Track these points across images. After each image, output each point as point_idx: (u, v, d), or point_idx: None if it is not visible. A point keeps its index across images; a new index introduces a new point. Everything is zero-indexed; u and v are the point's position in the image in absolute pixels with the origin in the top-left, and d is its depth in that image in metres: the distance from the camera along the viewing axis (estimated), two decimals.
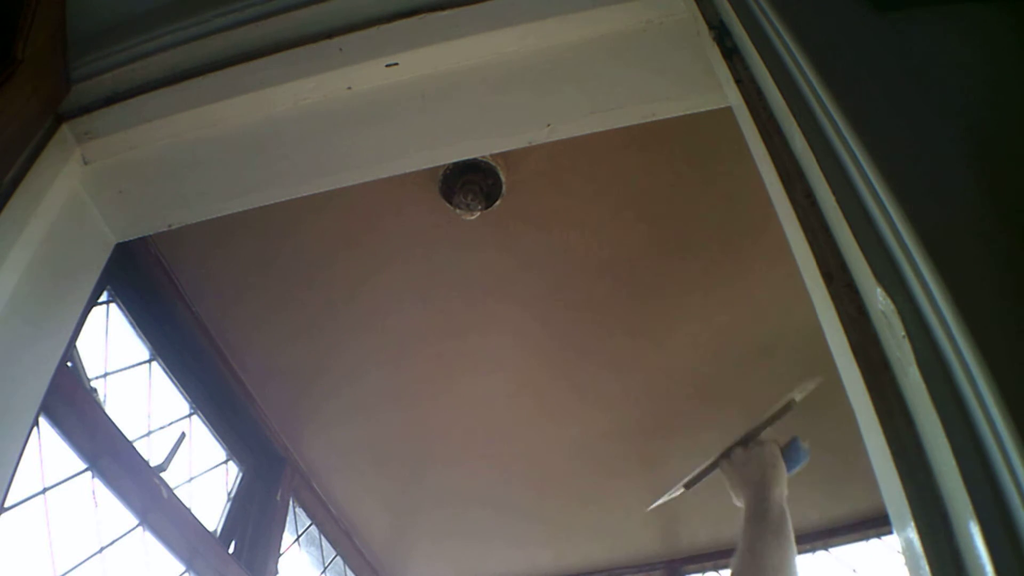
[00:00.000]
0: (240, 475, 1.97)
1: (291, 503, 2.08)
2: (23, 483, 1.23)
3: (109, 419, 1.44)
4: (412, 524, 2.45)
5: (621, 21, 0.90)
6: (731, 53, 0.73)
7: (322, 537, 2.29)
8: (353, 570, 2.42)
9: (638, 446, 2.14)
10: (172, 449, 1.65)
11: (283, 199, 1.09)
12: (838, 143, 0.53)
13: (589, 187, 1.56)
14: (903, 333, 0.43)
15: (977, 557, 0.35)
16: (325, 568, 2.32)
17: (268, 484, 1.99)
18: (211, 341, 1.74)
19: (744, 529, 1.22)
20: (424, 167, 1.08)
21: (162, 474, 1.58)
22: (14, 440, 0.88)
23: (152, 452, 1.60)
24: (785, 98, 0.60)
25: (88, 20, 1.03)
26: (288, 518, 2.05)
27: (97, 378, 1.47)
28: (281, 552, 1.99)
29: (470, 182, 1.50)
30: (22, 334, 0.89)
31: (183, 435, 1.71)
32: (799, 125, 0.57)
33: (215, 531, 1.81)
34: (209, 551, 1.67)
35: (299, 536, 2.21)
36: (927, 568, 0.38)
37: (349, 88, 0.96)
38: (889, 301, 0.45)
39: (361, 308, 1.76)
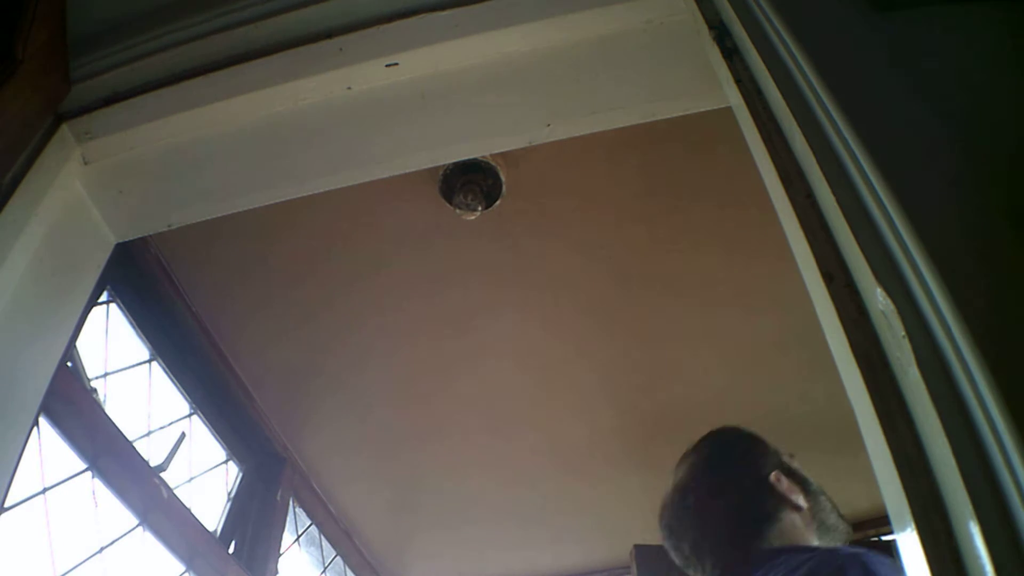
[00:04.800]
0: (240, 475, 1.97)
1: (291, 503, 2.08)
2: (23, 483, 1.23)
3: (109, 419, 1.43)
4: (412, 524, 2.45)
5: (621, 21, 0.90)
6: (731, 53, 0.73)
7: (322, 537, 2.28)
8: (353, 570, 2.42)
9: (639, 446, 2.14)
10: (172, 449, 1.66)
11: (283, 199, 1.09)
12: (838, 143, 0.53)
13: (589, 186, 1.56)
14: (903, 333, 0.43)
15: (977, 557, 0.35)
16: (325, 568, 2.32)
17: (268, 484, 1.98)
18: (211, 341, 1.74)
19: None
20: (424, 167, 1.08)
21: (162, 474, 1.58)
22: (14, 440, 0.88)
23: (152, 452, 1.60)
24: (785, 98, 0.60)
25: (88, 20, 1.03)
26: (288, 518, 2.05)
27: (97, 378, 1.47)
28: (281, 552, 1.99)
29: (470, 182, 1.50)
30: (22, 334, 0.89)
31: (183, 435, 1.71)
32: (799, 125, 0.57)
33: (215, 531, 1.81)
34: (209, 551, 1.67)
35: (299, 536, 2.21)
36: (927, 568, 0.38)
37: (349, 88, 0.96)
38: (889, 301, 0.44)
39: (361, 309, 1.76)
